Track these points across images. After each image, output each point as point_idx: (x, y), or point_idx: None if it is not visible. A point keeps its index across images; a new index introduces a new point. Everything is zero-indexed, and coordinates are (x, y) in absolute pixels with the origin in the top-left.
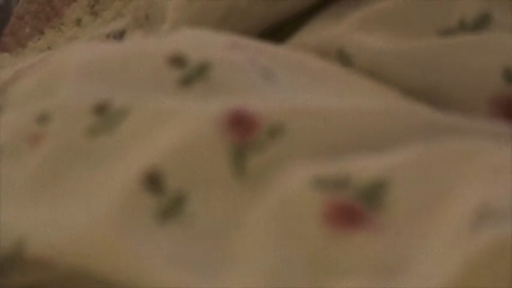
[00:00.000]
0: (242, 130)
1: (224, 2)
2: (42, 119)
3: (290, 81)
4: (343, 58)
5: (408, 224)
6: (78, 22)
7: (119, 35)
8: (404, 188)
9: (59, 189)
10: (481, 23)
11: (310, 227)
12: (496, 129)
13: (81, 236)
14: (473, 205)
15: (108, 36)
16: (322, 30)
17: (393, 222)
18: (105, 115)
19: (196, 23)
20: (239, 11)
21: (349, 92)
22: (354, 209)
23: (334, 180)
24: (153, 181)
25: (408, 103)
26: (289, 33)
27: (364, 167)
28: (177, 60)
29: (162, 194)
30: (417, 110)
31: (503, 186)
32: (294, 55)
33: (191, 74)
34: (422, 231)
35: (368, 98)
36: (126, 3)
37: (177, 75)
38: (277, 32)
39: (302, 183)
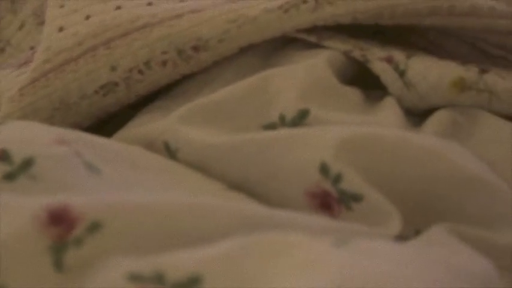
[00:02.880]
0: (62, 226)
1: (55, 95)
2: None
3: (115, 176)
4: (169, 151)
5: None
6: None
7: None
8: (216, 282)
9: None
10: (301, 118)
11: None
12: (312, 222)
13: None
14: None
15: None
16: (149, 123)
17: None
18: None
19: (28, 116)
20: (69, 105)
21: (173, 186)
22: None
23: (150, 276)
24: None
25: (229, 198)
26: (119, 126)
27: (179, 263)
28: (1, 156)
29: None
30: (236, 204)
31: (318, 279)
32: (123, 148)
33: (15, 170)
34: None
35: (189, 193)
36: None
37: (1, 171)
38: (108, 124)
39: (118, 279)
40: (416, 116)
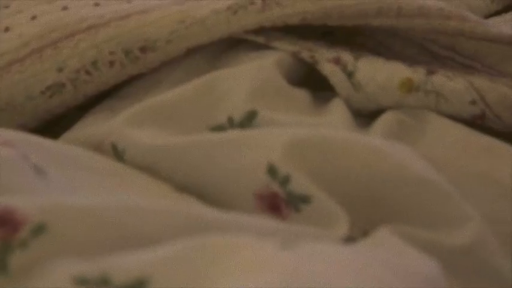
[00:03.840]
0: (6, 229)
1: (1, 96)
2: None
3: (62, 178)
4: (116, 153)
5: None
6: None
7: None
8: (162, 284)
9: None
10: (249, 120)
11: None
12: (260, 224)
13: None
14: None
15: None
16: (97, 125)
17: None
18: None
19: None
20: (15, 106)
21: (121, 189)
22: None
23: (95, 279)
24: None
25: (178, 200)
26: (66, 127)
27: (125, 266)
28: None
29: None
30: (183, 207)
31: (264, 281)
32: (69, 150)
33: None
34: None
35: (136, 195)
36: None
37: None
38: (56, 125)
39: (63, 282)
40: (365, 117)
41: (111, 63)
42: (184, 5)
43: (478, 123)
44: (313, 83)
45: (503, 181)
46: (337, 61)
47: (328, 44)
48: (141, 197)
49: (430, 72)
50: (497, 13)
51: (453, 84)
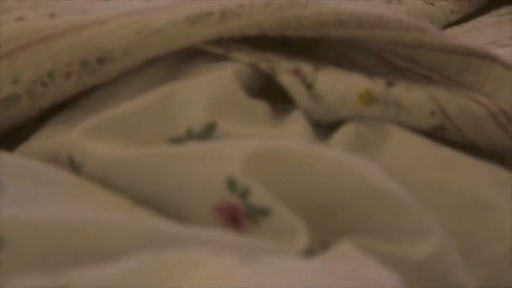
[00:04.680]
0: None
1: None
2: None
3: (18, 192)
4: (73, 165)
5: None
6: None
7: None
8: None
9: None
10: (207, 132)
11: None
12: (220, 238)
13: None
14: None
15: None
16: (53, 137)
17: None
18: None
19: None
20: None
21: (78, 202)
22: None
23: None
24: None
25: (136, 213)
26: (22, 139)
27: (83, 280)
28: None
29: None
30: (143, 221)
31: None
32: (26, 163)
33: None
34: None
35: (96, 209)
36: None
37: None
38: (12, 138)
39: None
40: (325, 128)
41: (68, 75)
42: (143, 15)
43: (438, 135)
44: (273, 94)
45: (464, 194)
46: (296, 72)
47: (287, 55)
48: (99, 211)
49: (390, 84)
50: (457, 23)
51: (413, 96)
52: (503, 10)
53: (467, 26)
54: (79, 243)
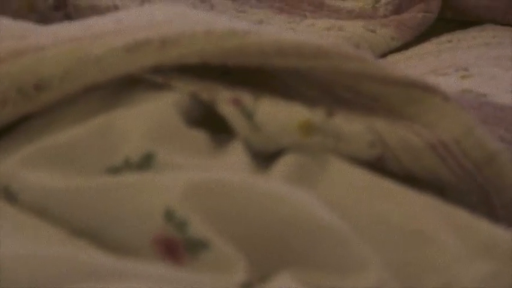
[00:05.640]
0: None
1: None
2: None
3: None
4: (9, 195)
5: None
6: None
7: None
8: None
9: None
10: (146, 162)
11: None
12: (157, 272)
13: None
14: None
15: None
16: None
17: None
18: None
19: None
20: None
21: (12, 234)
22: None
23: None
24: None
25: (73, 245)
26: None
27: None
28: None
29: None
30: (80, 253)
31: None
32: None
33: None
34: None
35: (32, 241)
36: None
37: None
38: None
39: None
40: (265, 158)
41: (4, 102)
42: (81, 41)
43: (378, 165)
44: (213, 123)
45: (404, 226)
46: (236, 102)
47: (227, 83)
48: (35, 243)
49: (330, 114)
50: (397, 50)
51: (352, 126)
52: (443, 38)
53: (407, 53)
54: (13, 277)
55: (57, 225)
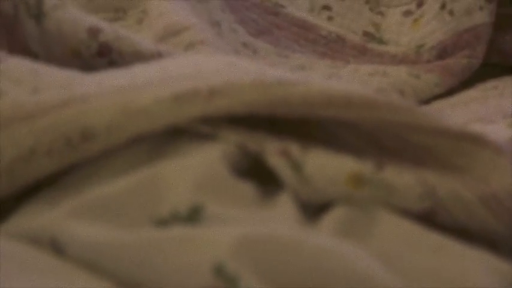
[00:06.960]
0: None
1: None
2: None
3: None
4: (57, 247)
5: None
6: None
7: None
8: None
9: None
10: (194, 214)
11: None
12: None
13: None
14: None
15: None
16: (34, 217)
17: None
18: None
19: None
20: None
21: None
22: None
23: None
24: None
25: None
26: (5, 219)
27: None
28: None
29: None
30: None
31: None
32: (3, 245)
33: None
34: None
35: None
36: None
37: None
38: None
39: None
40: (314, 208)
41: (50, 152)
42: (126, 92)
43: (428, 218)
44: (260, 174)
45: (455, 281)
46: (284, 153)
47: (275, 133)
48: None
49: (379, 166)
50: (441, 96)
51: (403, 179)
52: (489, 84)
53: (452, 100)
54: None
55: (104, 279)
